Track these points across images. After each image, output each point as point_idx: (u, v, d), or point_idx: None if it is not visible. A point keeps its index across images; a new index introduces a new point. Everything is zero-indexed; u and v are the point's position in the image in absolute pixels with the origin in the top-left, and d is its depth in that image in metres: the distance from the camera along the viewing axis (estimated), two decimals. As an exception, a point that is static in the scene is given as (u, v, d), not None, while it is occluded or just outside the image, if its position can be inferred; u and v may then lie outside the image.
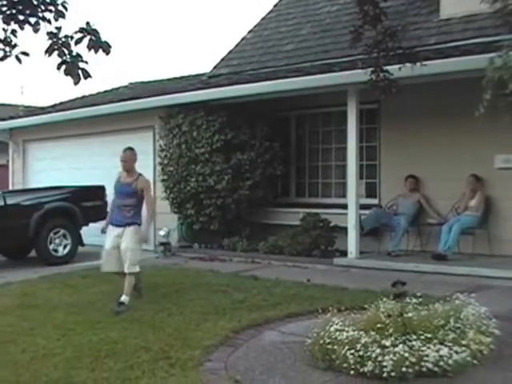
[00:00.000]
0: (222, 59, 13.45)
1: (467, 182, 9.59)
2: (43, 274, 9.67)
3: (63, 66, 4.43)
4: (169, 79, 16.41)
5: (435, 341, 4.73)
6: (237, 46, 13.64)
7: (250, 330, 5.99)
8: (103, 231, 7.70)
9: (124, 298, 7.11)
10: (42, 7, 4.45)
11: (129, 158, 7.59)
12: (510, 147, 9.28)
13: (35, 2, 4.44)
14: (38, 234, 10.89)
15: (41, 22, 4.48)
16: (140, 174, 7.64)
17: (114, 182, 7.68)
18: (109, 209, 8.13)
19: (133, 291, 7.39)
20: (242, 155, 11.09)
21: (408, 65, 6.88)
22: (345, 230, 9.89)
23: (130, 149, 7.68)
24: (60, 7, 4.47)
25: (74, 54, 4.48)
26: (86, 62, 4.49)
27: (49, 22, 4.48)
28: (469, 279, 8.08)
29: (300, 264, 9.90)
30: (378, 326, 4.97)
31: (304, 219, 10.67)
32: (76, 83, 4.45)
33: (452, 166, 9.88)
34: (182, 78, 15.84)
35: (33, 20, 4.49)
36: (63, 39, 4.45)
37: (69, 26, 4.69)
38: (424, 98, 9.93)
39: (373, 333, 4.87)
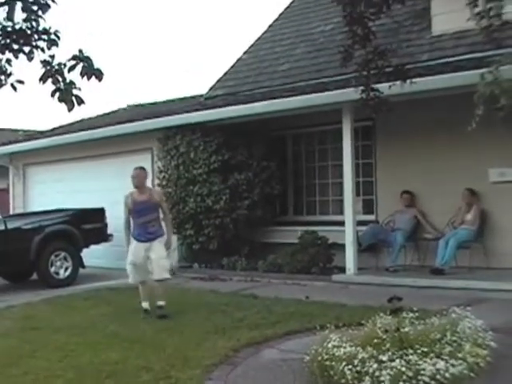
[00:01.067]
0: (218, 80, 13.53)
1: (463, 196, 9.65)
2: (45, 296, 9.70)
3: (57, 94, 4.53)
4: (166, 101, 16.55)
5: (432, 354, 4.74)
6: (232, 66, 13.72)
7: (250, 349, 6.01)
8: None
9: (162, 303, 7.63)
10: (36, 36, 4.55)
11: (139, 174, 7.93)
12: (504, 161, 9.35)
13: (29, 32, 4.54)
14: (39, 257, 10.93)
15: (34, 50, 4.58)
16: (151, 188, 7.96)
17: (130, 205, 7.85)
18: (123, 231, 8.12)
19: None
20: (240, 175, 11.16)
21: (398, 83, 6.97)
22: (343, 246, 9.92)
23: (141, 168, 8.06)
24: (53, 36, 4.57)
25: (68, 81, 4.58)
26: (80, 89, 4.60)
27: (42, 50, 4.59)
28: (466, 293, 8.11)
29: (299, 281, 9.92)
30: (375, 341, 4.98)
31: (302, 237, 10.72)
32: (70, 110, 4.54)
33: (447, 181, 9.93)
34: (178, 99, 15.98)
35: (27, 49, 4.58)
36: (56, 67, 4.55)
37: (64, 46, 4.80)
38: (418, 114, 10.00)
39: (370, 348, 4.88)
